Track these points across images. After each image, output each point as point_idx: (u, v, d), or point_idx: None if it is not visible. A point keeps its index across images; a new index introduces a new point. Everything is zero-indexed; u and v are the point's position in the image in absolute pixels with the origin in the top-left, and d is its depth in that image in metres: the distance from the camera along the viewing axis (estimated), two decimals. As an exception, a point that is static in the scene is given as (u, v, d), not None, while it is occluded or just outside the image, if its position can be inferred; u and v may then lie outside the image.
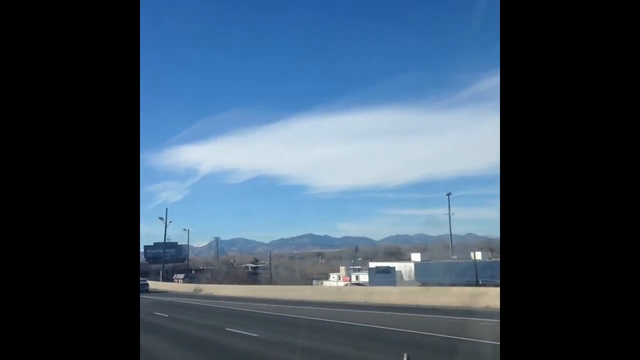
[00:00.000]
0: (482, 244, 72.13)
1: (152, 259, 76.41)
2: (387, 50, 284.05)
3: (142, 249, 73.91)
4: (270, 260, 72.86)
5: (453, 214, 58.29)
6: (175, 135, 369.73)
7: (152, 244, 78.06)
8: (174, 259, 79.04)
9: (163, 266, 68.68)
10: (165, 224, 67.42)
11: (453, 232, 59.68)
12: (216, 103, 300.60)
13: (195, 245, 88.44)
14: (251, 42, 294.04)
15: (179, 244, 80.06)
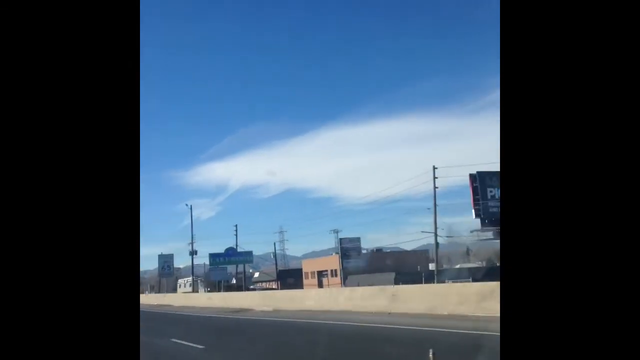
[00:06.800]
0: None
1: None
2: (409, 55, 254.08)
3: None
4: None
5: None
6: (203, 152, 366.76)
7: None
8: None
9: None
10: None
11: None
12: (242, 118, 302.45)
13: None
14: (273, 55, 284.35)
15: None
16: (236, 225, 61.60)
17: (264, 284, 73.64)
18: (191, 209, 57.55)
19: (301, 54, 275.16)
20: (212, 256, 57.33)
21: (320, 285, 63.93)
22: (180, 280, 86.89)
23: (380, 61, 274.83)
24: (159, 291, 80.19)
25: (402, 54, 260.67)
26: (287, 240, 63.77)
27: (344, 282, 59.24)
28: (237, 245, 59.03)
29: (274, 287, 63.58)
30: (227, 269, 58.98)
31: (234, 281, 73.73)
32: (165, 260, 64.76)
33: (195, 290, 75.37)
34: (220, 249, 56.15)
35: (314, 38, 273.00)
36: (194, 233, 58.64)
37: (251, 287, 65.29)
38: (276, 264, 68.41)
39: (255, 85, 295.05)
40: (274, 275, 72.55)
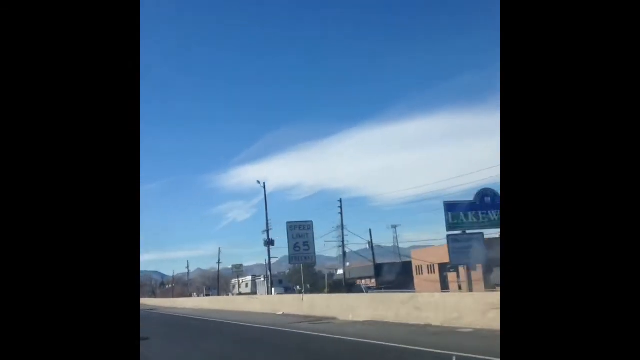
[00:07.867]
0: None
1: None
2: (439, 51, 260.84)
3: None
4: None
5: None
6: (236, 156, 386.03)
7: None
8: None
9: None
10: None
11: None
12: (273, 121, 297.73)
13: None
14: (302, 57, 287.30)
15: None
16: (340, 200, 45.90)
17: (357, 282, 56.15)
18: (264, 186, 40.65)
19: (331, 56, 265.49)
20: (450, 209, 25.18)
21: (444, 285, 45.57)
22: (234, 280, 70.51)
23: (408, 60, 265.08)
24: (212, 293, 64.36)
25: (431, 52, 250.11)
26: (347, 235, 46.65)
27: (486, 278, 41.70)
28: (342, 226, 42.20)
29: (380, 288, 46.36)
30: (478, 242, 25.72)
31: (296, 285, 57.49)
32: (299, 235, 29.61)
33: (253, 292, 58.78)
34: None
35: (342, 41, 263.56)
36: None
37: (358, 286, 47.95)
38: (374, 256, 51.03)
39: (286, 88, 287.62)
40: (367, 271, 55.34)
